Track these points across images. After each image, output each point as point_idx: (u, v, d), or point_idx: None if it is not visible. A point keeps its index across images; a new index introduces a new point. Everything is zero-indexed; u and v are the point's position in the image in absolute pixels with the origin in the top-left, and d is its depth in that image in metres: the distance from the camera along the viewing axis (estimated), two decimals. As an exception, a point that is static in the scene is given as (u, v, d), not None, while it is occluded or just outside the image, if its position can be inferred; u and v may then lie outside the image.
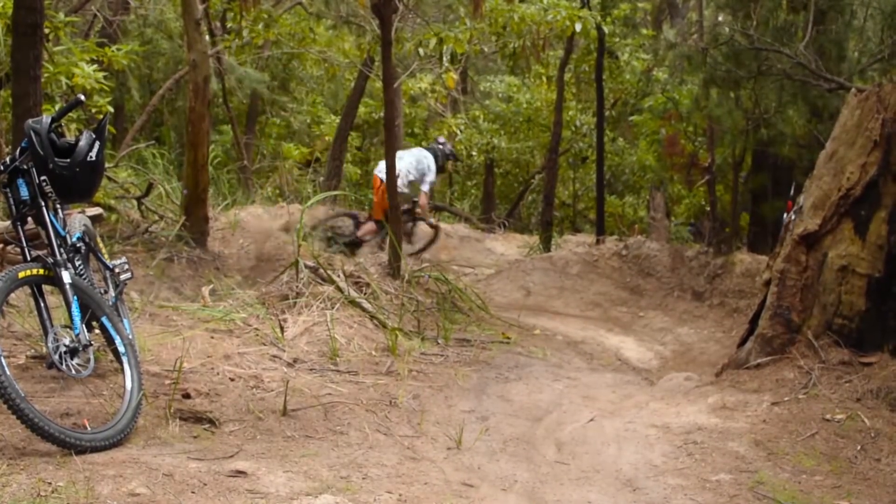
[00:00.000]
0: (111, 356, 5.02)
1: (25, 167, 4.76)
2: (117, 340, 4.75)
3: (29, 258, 4.74)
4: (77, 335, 4.55)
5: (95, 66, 10.38)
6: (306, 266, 8.03)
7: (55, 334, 4.50)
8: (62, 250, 4.79)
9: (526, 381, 6.75)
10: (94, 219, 6.38)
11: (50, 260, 4.65)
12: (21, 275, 4.50)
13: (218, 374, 5.75)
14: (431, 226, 12.43)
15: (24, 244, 4.84)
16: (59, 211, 5.09)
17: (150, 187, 10.77)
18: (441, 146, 12.58)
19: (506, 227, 19.77)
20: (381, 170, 11.42)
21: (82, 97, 5.06)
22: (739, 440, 5.27)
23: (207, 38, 12.25)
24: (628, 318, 10.25)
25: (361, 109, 20.47)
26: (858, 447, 5.15)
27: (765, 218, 12.39)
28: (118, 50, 11.36)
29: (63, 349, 4.47)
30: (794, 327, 6.33)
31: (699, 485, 4.74)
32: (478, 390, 6.34)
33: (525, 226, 22.12)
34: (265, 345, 6.69)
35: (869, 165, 6.08)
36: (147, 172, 12.13)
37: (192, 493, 3.86)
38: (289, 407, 5.24)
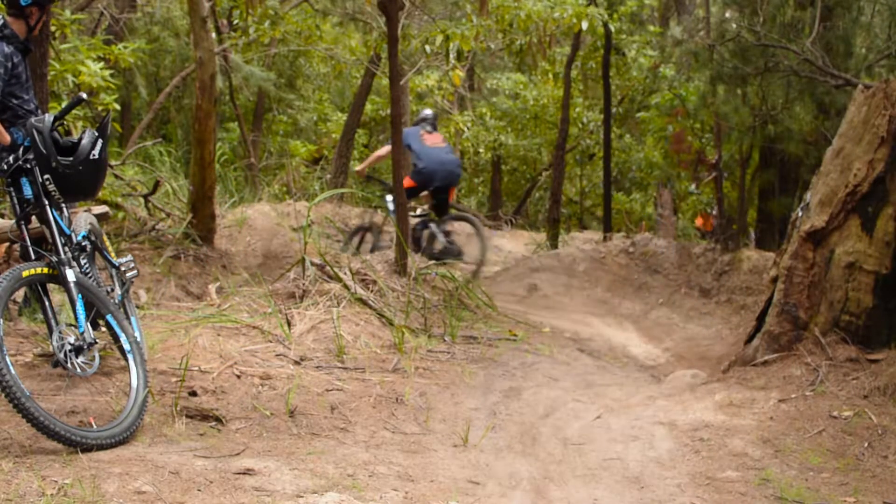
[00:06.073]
0: (117, 354, 5.03)
1: (28, 166, 4.77)
2: (122, 338, 4.77)
3: (33, 257, 4.76)
4: (82, 333, 4.56)
5: (102, 63, 10.40)
6: (313, 263, 8.04)
7: (60, 333, 4.52)
8: (67, 249, 4.79)
9: (532, 378, 6.74)
10: (101, 217, 6.38)
11: (54, 258, 4.66)
12: (25, 273, 4.51)
13: (224, 371, 5.76)
14: None
15: (28, 243, 4.85)
16: (65, 209, 5.10)
17: (156, 185, 10.78)
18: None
19: (513, 225, 19.78)
20: None
21: (84, 95, 5.08)
22: (746, 437, 5.25)
23: (214, 35, 12.30)
24: (635, 315, 10.23)
25: (368, 107, 20.50)
26: (866, 444, 5.13)
27: (772, 214, 12.36)
28: (125, 48, 11.37)
29: (68, 347, 4.48)
30: (801, 324, 6.31)
31: (706, 482, 4.73)
32: (484, 388, 6.33)
33: (532, 223, 22.13)
34: (272, 342, 6.69)
35: (876, 162, 6.06)
36: (154, 170, 12.16)
37: (199, 490, 3.87)
38: (295, 404, 5.24)
